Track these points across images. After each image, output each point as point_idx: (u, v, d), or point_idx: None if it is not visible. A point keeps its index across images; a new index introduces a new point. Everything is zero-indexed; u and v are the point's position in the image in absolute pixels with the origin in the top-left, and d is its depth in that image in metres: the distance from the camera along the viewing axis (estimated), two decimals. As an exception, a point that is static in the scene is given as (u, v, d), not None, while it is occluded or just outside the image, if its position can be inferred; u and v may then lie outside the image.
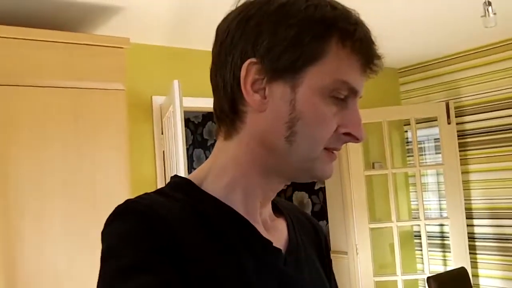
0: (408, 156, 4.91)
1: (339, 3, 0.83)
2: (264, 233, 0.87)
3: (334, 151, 0.85)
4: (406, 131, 4.92)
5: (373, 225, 4.36)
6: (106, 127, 2.67)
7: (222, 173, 0.87)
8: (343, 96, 0.81)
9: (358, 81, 0.82)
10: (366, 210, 4.33)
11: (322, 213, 5.50)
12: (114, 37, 2.78)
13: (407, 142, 4.92)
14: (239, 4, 0.85)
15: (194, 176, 0.89)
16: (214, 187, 0.86)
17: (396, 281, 4.35)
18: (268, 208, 0.94)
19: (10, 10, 2.64)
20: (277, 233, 0.92)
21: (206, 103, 3.56)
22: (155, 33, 3.27)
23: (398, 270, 4.34)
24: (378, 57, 0.83)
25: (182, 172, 2.81)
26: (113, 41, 2.72)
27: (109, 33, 2.98)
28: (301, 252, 0.94)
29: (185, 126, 6.95)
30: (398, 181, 4.72)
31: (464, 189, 4.36)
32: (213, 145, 6.39)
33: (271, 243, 0.86)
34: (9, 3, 2.56)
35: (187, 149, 6.85)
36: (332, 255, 4.09)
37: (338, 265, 4.53)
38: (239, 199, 0.86)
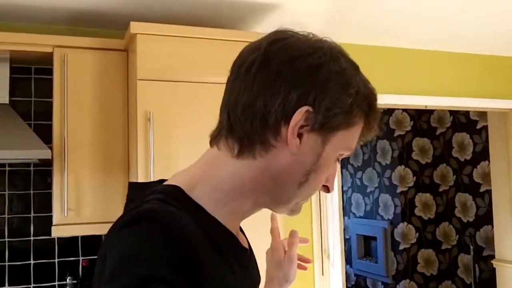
0: None
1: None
2: (239, 239, 0.96)
3: None
4: None
5: (545, 235, 3.97)
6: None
7: (218, 188, 0.90)
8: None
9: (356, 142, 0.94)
10: (538, 217, 3.95)
11: (487, 217, 5.15)
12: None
13: None
14: (304, 35, 0.92)
15: (183, 183, 0.90)
16: (205, 199, 0.89)
17: None
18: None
19: (172, 10, 2.75)
20: (242, 238, 1.00)
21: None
22: (309, 29, 3.22)
23: None
24: (376, 129, 0.95)
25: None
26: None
27: (266, 30, 2.98)
28: (252, 253, 1.05)
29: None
30: None
31: None
32: (370, 140, 6.25)
33: (248, 251, 0.99)
34: (171, 3, 2.67)
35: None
36: (496, 263, 3.79)
37: (503, 275, 4.20)
38: (225, 215, 0.91)
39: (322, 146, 0.88)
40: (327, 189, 0.95)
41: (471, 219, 5.46)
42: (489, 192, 5.07)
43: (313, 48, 0.88)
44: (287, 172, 0.89)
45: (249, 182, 0.90)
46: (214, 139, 0.94)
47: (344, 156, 0.94)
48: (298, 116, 0.85)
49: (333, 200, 3.44)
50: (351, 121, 0.88)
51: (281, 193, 0.91)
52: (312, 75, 0.86)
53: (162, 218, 0.77)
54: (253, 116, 0.87)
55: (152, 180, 2.40)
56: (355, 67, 0.91)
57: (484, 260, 5.21)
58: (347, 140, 0.91)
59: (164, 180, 0.97)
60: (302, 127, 0.86)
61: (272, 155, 0.88)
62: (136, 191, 0.94)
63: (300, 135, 0.87)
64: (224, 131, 0.92)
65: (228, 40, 2.66)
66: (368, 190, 6.40)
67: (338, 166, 0.98)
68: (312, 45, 0.89)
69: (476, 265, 5.23)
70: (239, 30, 3.03)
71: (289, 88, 0.85)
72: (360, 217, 6.54)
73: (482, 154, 5.26)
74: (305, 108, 0.85)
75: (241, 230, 1.05)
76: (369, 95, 0.90)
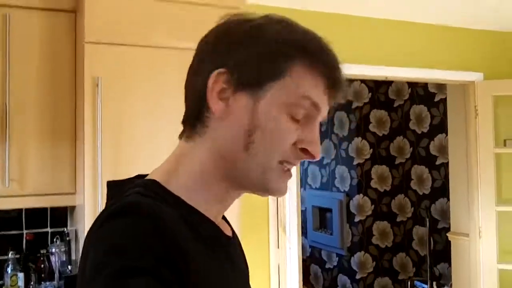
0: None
1: (313, 31, 0.91)
2: (221, 227, 0.95)
3: (289, 169, 0.90)
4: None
5: (500, 208, 3.98)
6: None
7: (188, 179, 0.90)
8: (304, 112, 0.88)
9: (322, 100, 0.89)
10: (493, 191, 3.95)
11: (442, 190, 5.17)
12: (229, -4, 2.61)
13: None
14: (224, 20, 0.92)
15: (159, 177, 0.90)
16: (181, 191, 0.88)
17: (523, 270, 3.97)
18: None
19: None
20: (224, 226, 0.99)
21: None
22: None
23: (527, 258, 3.95)
24: (341, 83, 0.90)
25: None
26: (227, 1, 2.56)
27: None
28: (236, 241, 1.03)
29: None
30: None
31: None
32: (328, 112, 6.19)
33: (230, 237, 0.97)
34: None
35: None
36: (451, 236, 3.79)
37: (458, 247, 4.23)
38: (203, 204, 0.90)
39: (254, 102, 0.86)
40: (307, 153, 0.89)
41: (426, 192, 5.48)
42: (445, 165, 5.08)
43: (228, 21, 0.91)
44: (228, 139, 0.88)
45: (207, 165, 0.90)
46: (181, 132, 0.95)
47: (308, 109, 0.88)
48: (212, 80, 0.86)
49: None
50: (277, 71, 0.86)
51: (237, 165, 0.89)
52: (222, 40, 0.89)
53: (142, 210, 0.77)
54: (190, 95, 0.92)
55: (100, 149, 2.30)
56: (284, 23, 0.90)
57: (439, 232, 5.25)
58: (288, 92, 0.87)
59: (142, 175, 0.96)
60: (224, 91, 0.87)
61: (211, 129, 0.89)
62: (115, 189, 0.93)
63: (226, 100, 0.87)
64: (182, 123, 0.94)
65: (182, 2, 2.51)
66: (325, 161, 6.37)
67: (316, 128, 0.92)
68: (230, 18, 0.92)
69: (431, 237, 5.27)
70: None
71: (207, 59, 0.89)
72: (316, 188, 6.52)
73: (440, 127, 5.26)
74: (216, 71, 0.86)
75: (224, 219, 1.04)
76: (300, 41, 0.88)
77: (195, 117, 0.90)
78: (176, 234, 0.77)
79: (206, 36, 0.93)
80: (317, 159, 0.90)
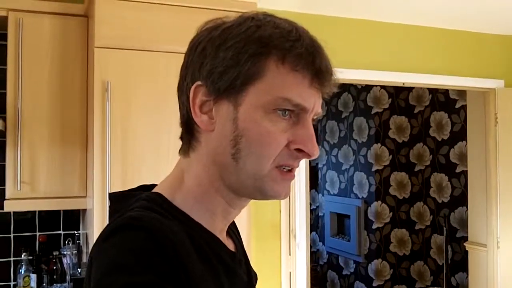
0: None
1: (286, 21, 0.84)
2: (226, 243, 0.93)
3: (287, 169, 0.86)
4: None
5: (520, 218, 3.91)
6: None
7: (189, 194, 0.89)
8: (289, 112, 0.83)
9: (306, 97, 0.83)
10: (513, 200, 3.89)
11: (462, 199, 5.10)
12: (240, 1, 2.61)
13: None
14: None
15: (164, 190, 0.90)
16: (185, 205, 0.88)
17: (542, 282, 3.89)
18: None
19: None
20: (227, 240, 0.97)
21: (340, 73, 3.40)
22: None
23: (546, 270, 3.87)
24: (324, 71, 0.83)
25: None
26: (239, 5, 2.56)
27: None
28: (241, 254, 0.99)
29: (321, 96, 6.74)
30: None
31: None
32: (347, 117, 6.12)
33: (235, 253, 0.94)
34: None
35: (320, 120, 6.66)
36: (469, 246, 3.70)
37: (475, 258, 4.15)
38: (207, 219, 0.89)
39: (235, 109, 0.83)
40: (302, 152, 0.84)
41: (446, 200, 5.41)
42: (465, 173, 5.01)
43: (199, 31, 0.90)
44: (217, 150, 0.86)
45: (203, 179, 0.89)
46: (180, 147, 0.95)
47: (292, 109, 0.83)
48: (191, 94, 0.85)
49: (300, 178, 3.33)
50: (249, 73, 0.82)
51: (230, 176, 0.86)
52: (194, 53, 0.87)
53: (146, 225, 0.77)
54: (181, 113, 0.91)
55: (109, 153, 2.30)
56: (254, 21, 0.84)
57: (457, 241, 5.18)
58: (266, 94, 0.82)
59: (145, 186, 0.96)
60: (205, 103, 0.86)
61: (203, 144, 0.88)
62: (119, 201, 0.91)
63: (209, 112, 0.86)
64: (181, 136, 0.94)
65: (191, 7, 2.51)
66: (343, 167, 6.32)
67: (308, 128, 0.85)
68: (202, 28, 0.90)
69: (449, 247, 5.20)
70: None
71: (186, 75, 0.89)
72: (334, 194, 6.48)
73: (460, 134, 5.19)
74: (194, 85, 0.85)
75: (234, 226, 1.04)
76: (268, 37, 0.82)
77: (188, 133, 0.90)
78: (179, 250, 0.76)
79: (186, 51, 0.92)
80: (314, 157, 0.85)
